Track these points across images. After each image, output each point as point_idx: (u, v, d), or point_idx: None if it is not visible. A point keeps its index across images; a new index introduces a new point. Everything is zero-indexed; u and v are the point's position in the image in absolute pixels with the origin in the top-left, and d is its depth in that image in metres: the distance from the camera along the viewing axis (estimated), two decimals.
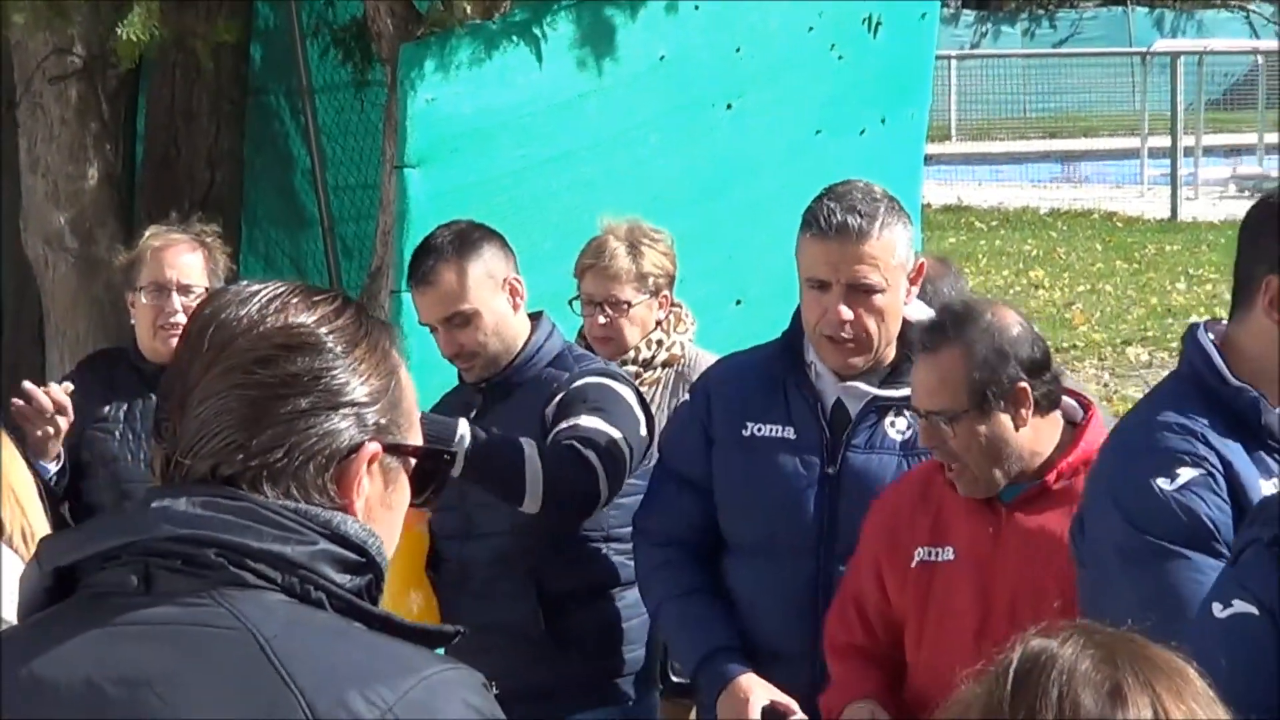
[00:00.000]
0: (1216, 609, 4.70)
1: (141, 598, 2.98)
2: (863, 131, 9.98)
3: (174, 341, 7.27)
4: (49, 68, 10.49)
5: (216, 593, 2.96)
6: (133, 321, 7.72)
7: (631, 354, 7.59)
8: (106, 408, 7.57)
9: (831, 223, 6.20)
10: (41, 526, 5.93)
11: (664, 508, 6.73)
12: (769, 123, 9.63)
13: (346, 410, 3.15)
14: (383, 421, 3.20)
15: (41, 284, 11.08)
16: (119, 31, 9.53)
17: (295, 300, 3.19)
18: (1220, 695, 3.61)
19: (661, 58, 9.62)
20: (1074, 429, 5.75)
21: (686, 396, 7.36)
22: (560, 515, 6.81)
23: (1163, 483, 4.84)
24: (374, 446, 3.17)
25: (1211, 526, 4.85)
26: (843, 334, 6.26)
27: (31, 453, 7.08)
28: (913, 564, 5.81)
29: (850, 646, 6.02)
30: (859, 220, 6.18)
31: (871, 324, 6.28)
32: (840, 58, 10.04)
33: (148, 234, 7.74)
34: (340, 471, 3.12)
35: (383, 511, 3.22)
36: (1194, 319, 20.51)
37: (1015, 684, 2.67)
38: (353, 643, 3.01)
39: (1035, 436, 5.65)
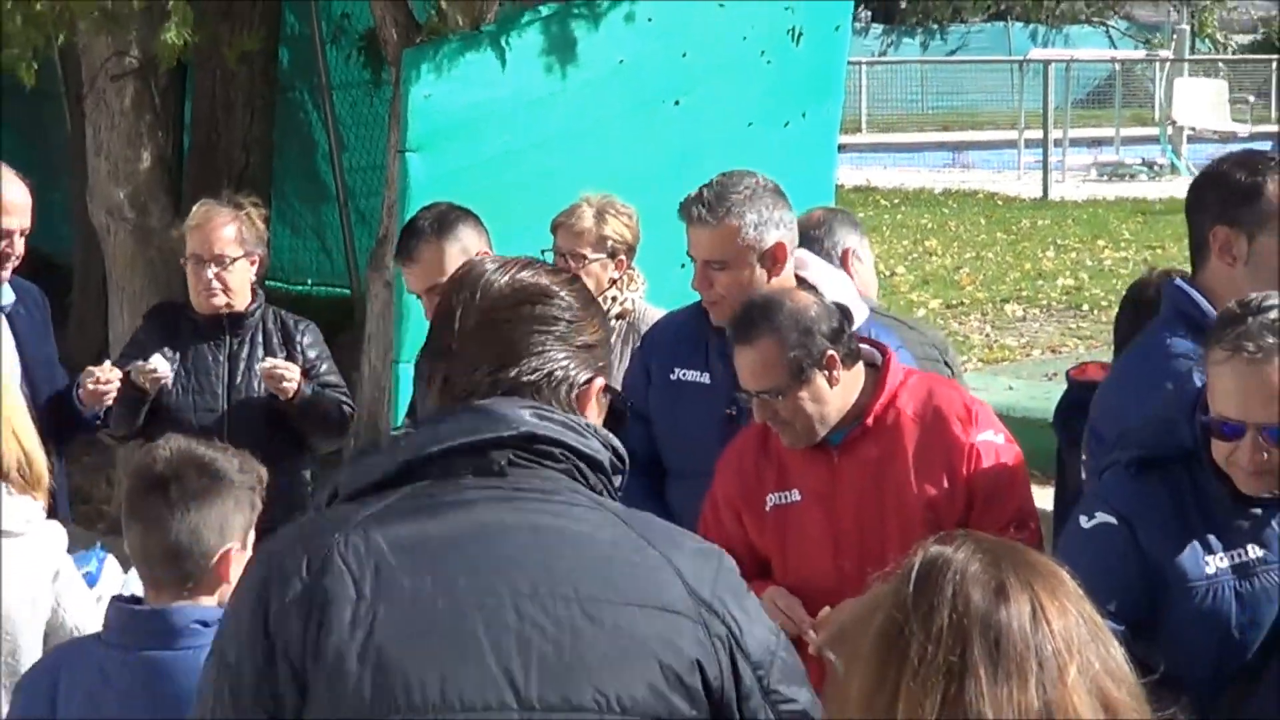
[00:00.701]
0: (1083, 520, 4.79)
1: (501, 479, 3.26)
2: (787, 124, 9.95)
3: (213, 301, 7.31)
4: (110, 67, 10.44)
5: (563, 482, 3.29)
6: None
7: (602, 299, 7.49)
8: (166, 349, 7.43)
9: (690, 213, 6.27)
10: (39, 456, 5.71)
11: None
12: (710, 117, 9.61)
13: (582, 350, 3.43)
14: (601, 365, 3.49)
15: (104, 248, 11.03)
16: (159, 39, 9.45)
17: (540, 269, 3.51)
18: (1087, 593, 3.95)
19: (620, 61, 9.58)
20: (876, 372, 5.70)
21: (637, 344, 7.34)
22: None
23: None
24: (601, 380, 3.47)
25: None
26: (709, 298, 6.30)
27: (83, 405, 7.09)
28: (767, 509, 5.73)
29: None
30: (704, 210, 6.21)
31: (726, 291, 6.24)
32: (769, 62, 10.01)
33: (195, 209, 7.63)
34: (579, 396, 3.41)
35: None
36: (1060, 280, 20.77)
37: (917, 583, 2.68)
38: (659, 522, 3.40)
39: (846, 389, 5.61)
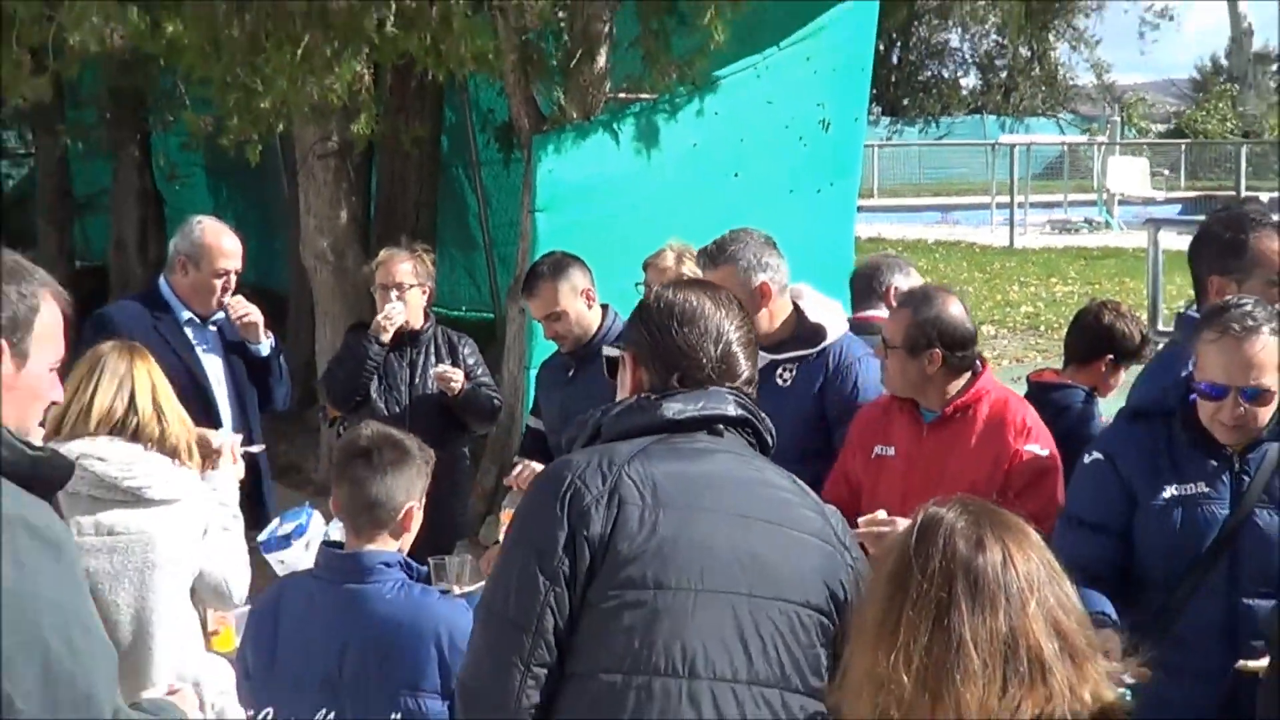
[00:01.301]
0: (1085, 459, 4.95)
1: (720, 439, 3.56)
2: (819, 191, 9.94)
3: (392, 323, 7.31)
4: (316, 149, 10.49)
5: (749, 446, 3.61)
6: None
7: None
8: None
9: (699, 260, 6.43)
10: (191, 437, 5.56)
11: None
12: (760, 185, 9.57)
13: (753, 354, 3.73)
14: (755, 362, 3.76)
15: (312, 283, 11.08)
16: (353, 127, 9.48)
17: (734, 306, 3.74)
18: (1084, 508, 4.64)
19: (694, 145, 9.60)
20: (974, 378, 5.66)
21: None
22: None
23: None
24: (756, 373, 3.74)
25: None
26: None
27: (246, 339, 7.11)
28: (871, 455, 5.73)
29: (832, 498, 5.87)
30: (707, 259, 6.26)
31: None
32: (805, 145, 9.99)
33: (381, 253, 7.69)
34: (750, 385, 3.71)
35: None
36: (1023, 308, 20.65)
37: (918, 536, 2.70)
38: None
39: (951, 378, 5.62)
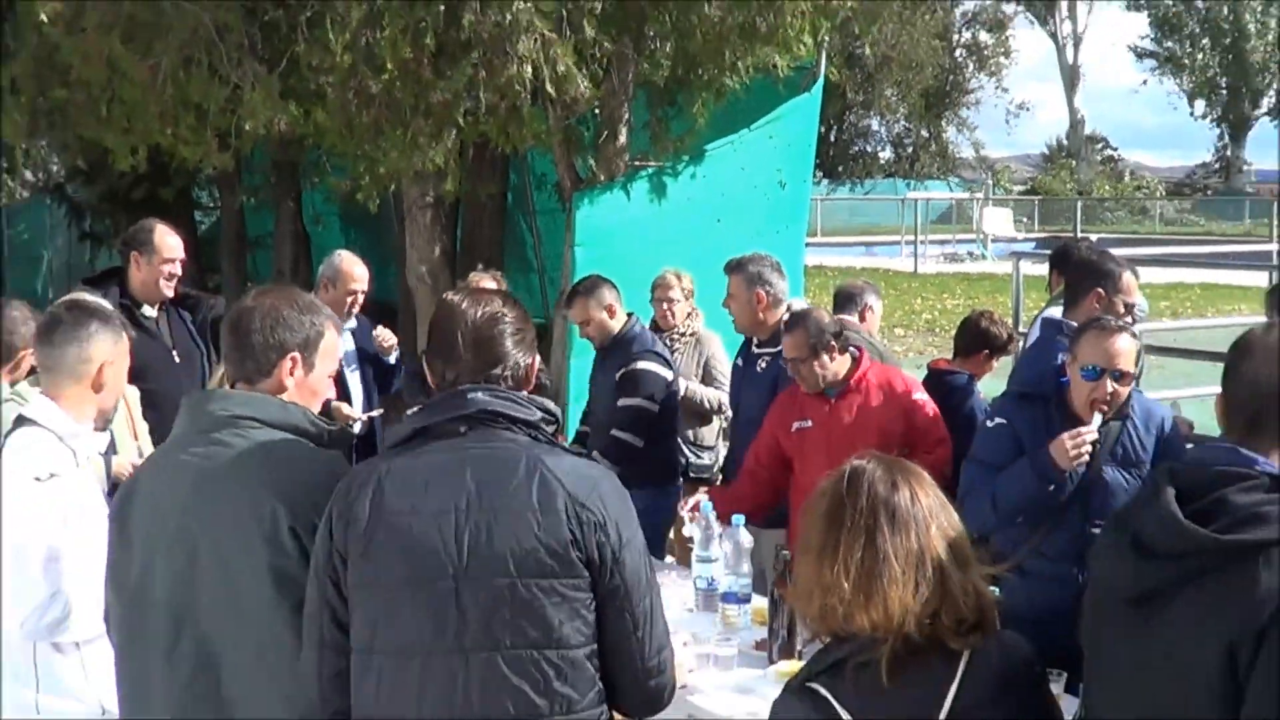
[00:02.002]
0: (989, 423, 4.86)
1: (463, 438, 2.86)
2: (778, 232, 9.85)
3: None
4: (417, 201, 10.43)
5: (506, 436, 2.87)
6: None
7: (677, 328, 7.42)
8: None
9: (726, 268, 6.50)
10: (142, 426, 5.49)
11: None
12: (737, 228, 9.47)
13: (527, 350, 2.99)
14: (535, 349, 3.05)
15: (415, 299, 11.01)
16: (444, 186, 9.46)
17: (495, 298, 3.02)
18: (989, 458, 4.55)
19: (689, 198, 9.53)
20: (856, 360, 5.64)
21: (697, 355, 7.32)
22: None
23: None
24: (537, 359, 3.05)
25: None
26: (730, 307, 6.49)
27: (382, 355, 7.11)
28: (793, 429, 5.64)
29: (749, 470, 5.77)
30: (728, 266, 6.43)
31: (736, 311, 6.46)
32: (767, 198, 9.94)
33: (471, 275, 7.55)
34: (526, 371, 2.98)
35: None
36: (924, 316, 20.57)
37: (848, 482, 2.62)
38: (556, 448, 2.90)
39: (839, 364, 5.57)
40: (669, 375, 6.55)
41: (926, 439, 5.55)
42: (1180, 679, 2.38)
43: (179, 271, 6.37)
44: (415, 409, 2.99)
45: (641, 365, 6.48)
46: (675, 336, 7.36)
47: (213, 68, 8.60)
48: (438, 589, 2.78)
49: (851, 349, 5.69)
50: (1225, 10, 55.07)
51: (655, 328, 7.30)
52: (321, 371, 3.23)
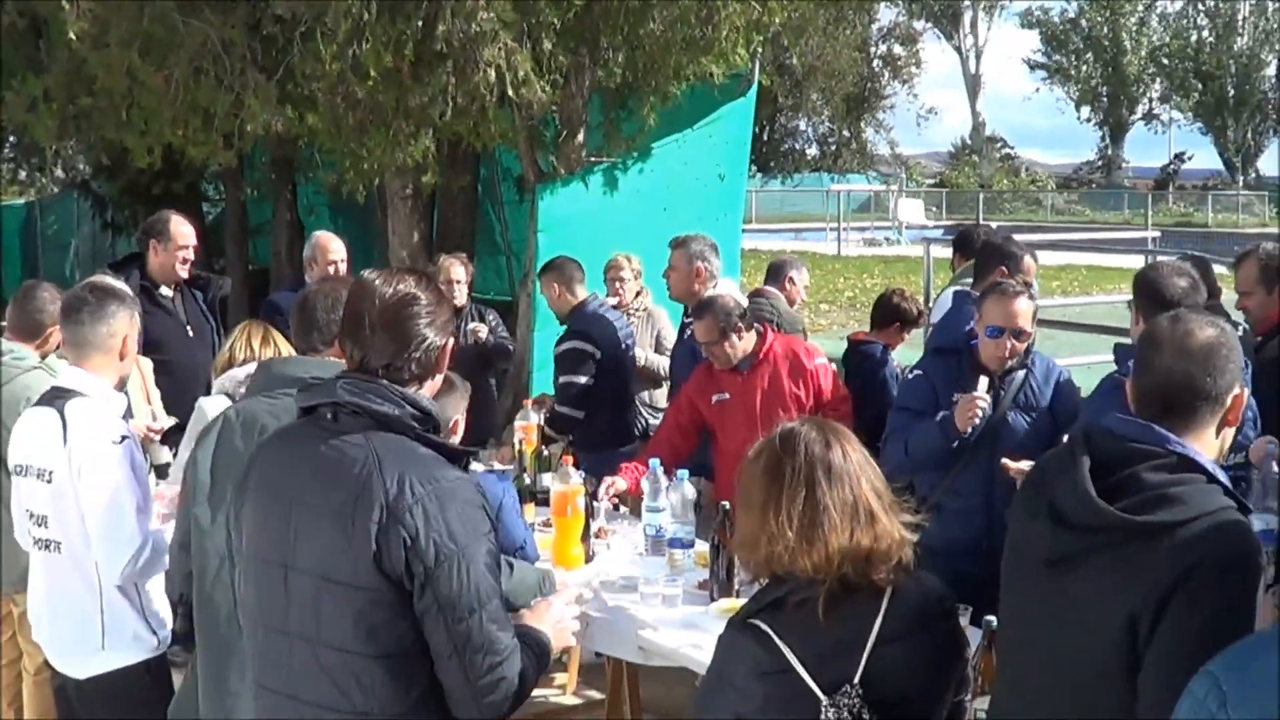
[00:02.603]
0: (910, 376, 4.94)
1: (333, 424, 2.62)
2: (717, 219, 9.78)
3: (454, 301, 7.15)
4: (398, 193, 10.36)
5: (362, 425, 2.59)
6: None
7: (630, 303, 7.36)
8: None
9: (671, 242, 6.53)
10: (154, 392, 5.65)
11: None
12: (682, 216, 9.34)
13: (435, 337, 2.67)
14: (451, 331, 2.75)
15: None
16: (422, 179, 9.37)
17: (408, 277, 2.69)
18: (909, 403, 4.56)
19: (638, 190, 9.45)
20: (761, 335, 5.56)
21: (650, 328, 7.26)
22: None
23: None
24: (451, 341, 2.74)
25: None
26: (669, 279, 6.46)
27: None
28: (712, 402, 5.56)
29: (669, 430, 5.61)
30: (672, 243, 6.43)
31: (674, 283, 6.44)
32: (708, 189, 9.87)
33: (441, 258, 7.54)
34: (438, 355, 2.69)
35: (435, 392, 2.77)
36: (846, 293, 20.61)
37: (781, 442, 2.59)
38: (415, 453, 2.59)
39: (747, 341, 5.50)
40: (592, 350, 6.40)
41: (832, 398, 5.52)
42: (1089, 634, 2.35)
43: (192, 256, 6.50)
44: (303, 388, 2.79)
45: (564, 346, 6.44)
46: (630, 312, 7.32)
47: (219, 77, 8.61)
48: (271, 572, 2.65)
49: (757, 326, 5.63)
50: (1106, 29, 56.00)
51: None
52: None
